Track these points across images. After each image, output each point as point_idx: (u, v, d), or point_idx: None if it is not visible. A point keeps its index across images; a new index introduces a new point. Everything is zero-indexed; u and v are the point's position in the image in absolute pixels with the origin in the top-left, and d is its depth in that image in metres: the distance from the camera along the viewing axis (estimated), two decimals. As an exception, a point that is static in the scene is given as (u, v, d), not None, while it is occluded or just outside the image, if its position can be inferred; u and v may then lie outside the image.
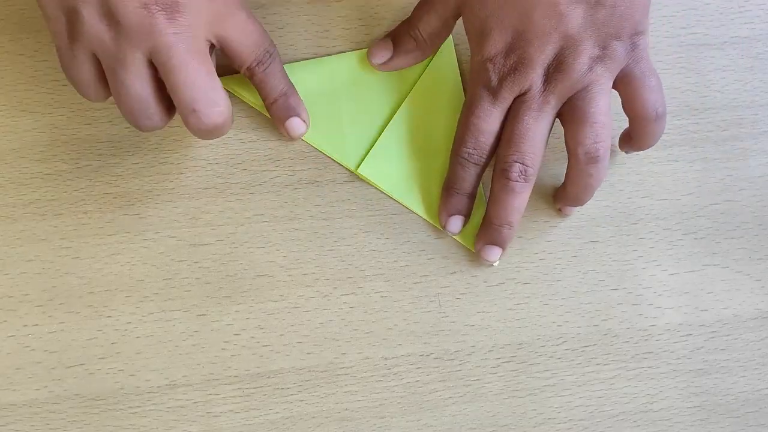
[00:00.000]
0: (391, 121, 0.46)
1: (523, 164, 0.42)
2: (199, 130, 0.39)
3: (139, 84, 0.38)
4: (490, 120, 0.43)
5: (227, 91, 0.41)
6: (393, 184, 0.45)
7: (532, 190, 0.45)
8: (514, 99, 0.42)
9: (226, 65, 0.44)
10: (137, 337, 0.43)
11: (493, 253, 0.44)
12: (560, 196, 0.45)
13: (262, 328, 0.44)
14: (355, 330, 0.44)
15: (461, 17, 0.43)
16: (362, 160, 0.45)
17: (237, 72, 0.44)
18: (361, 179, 0.46)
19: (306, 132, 0.45)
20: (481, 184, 0.45)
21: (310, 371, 0.44)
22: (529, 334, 0.45)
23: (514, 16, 0.41)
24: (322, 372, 0.44)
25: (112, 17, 0.37)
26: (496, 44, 0.42)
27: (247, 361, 0.44)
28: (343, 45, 0.46)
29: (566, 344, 0.45)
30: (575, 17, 0.41)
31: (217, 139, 0.45)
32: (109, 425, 0.43)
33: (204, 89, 0.38)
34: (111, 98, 0.40)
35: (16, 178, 0.44)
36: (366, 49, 0.46)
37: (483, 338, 0.45)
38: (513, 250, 0.46)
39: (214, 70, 0.39)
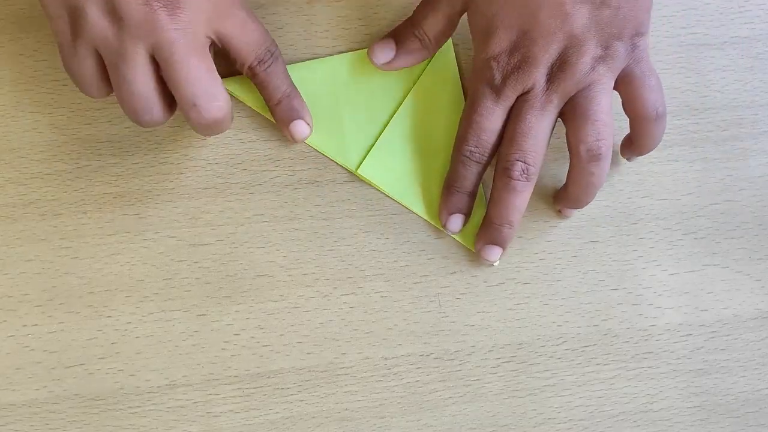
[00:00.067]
0: (391, 122, 0.46)
1: (525, 163, 0.42)
2: (200, 124, 0.39)
3: (140, 79, 0.38)
4: (492, 118, 0.43)
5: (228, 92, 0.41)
6: (393, 185, 0.45)
7: (533, 190, 0.45)
8: (517, 98, 0.42)
9: (228, 68, 0.44)
10: (137, 337, 0.43)
11: (494, 253, 0.44)
12: (561, 197, 0.45)
13: (262, 328, 0.44)
14: (355, 330, 0.44)
15: (466, 15, 0.44)
16: (362, 160, 0.45)
17: (238, 74, 0.44)
18: (361, 179, 0.46)
19: (310, 135, 0.45)
20: (481, 184, 0.45)
21: (310, 371, 0.44)
22: (529, 334, 0.45)
23: (520, 15, 0.41)
24: (322, 372, 0.44)
25: (115, 14, 0.37)
26: (501, 43, 0.42)
27: (247, 361, 0.44)
28: (343, 45, 0.46)
29: (566, 344, 0.45)
30: (580, 17, 0.41)
31: (217, 139, 0.45)
32: (109, 425, 0.43)
33: (204, 84, 0.39)
34: (111, 97, 0.41)
35: (16, 178, 0.44)
36: (366, 49, 0.46)
37: (483, 338, 0.45)
38: (513, 250, 0.46)
39: (214, 66, 0.40)
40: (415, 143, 0.46)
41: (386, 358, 0.44)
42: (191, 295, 0.44)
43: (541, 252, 0.46)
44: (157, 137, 0.45)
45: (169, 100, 0.40)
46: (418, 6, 0.45)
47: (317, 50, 0.46)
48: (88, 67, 0.39)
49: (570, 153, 0.43)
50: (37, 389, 0.43)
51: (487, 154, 0.43)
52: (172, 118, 0.41)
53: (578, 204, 0.44)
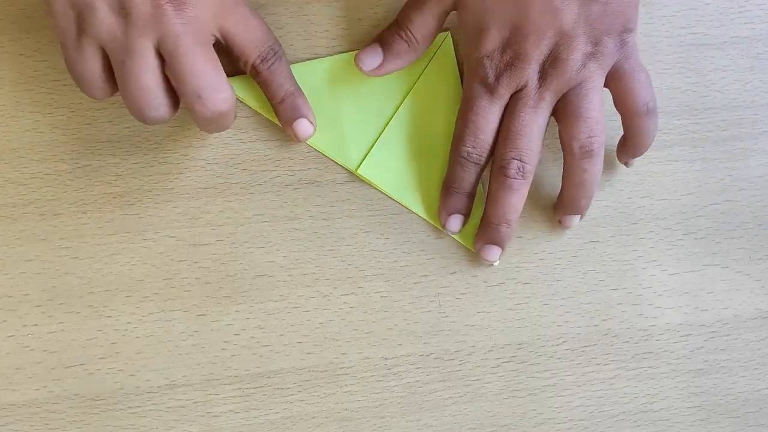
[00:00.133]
0: (390, 122, 0.46)
1: (520, 161, 0.42)
2: (204, 117, 0.39)
3: (147, 74, 0.38)
4: (489, 117, 0.43)
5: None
6: (393, 185, 0.45)
7: (532, 190, 0.45)
8: (511, 96, 0.43)
9: (231, 68, 0.44)
10: (137, 337, 0.43)
11: (493, 253, 0.44)
12: (559, 205, 0.45)
13: (262, 328, 0.44)
14: (355, 330, 0.44)
15: (456, 14, 0.44)
16: (362, 160, 0.45)
17: (240, 74, 0.44)
18: (361, 179, 0.46)
19: (313, 134, 0.45)
20: (480, 184, 0.45)
21: (310, 371, 0.44)
22: (529, 334, 0.45)
23: (511, 12, 0.42)
24: (322, 372, 0.44)
25: (123, 10, 0.38)
26: (494, 40, 0.42)
27: (247, 361, 0.44)
28: (343, 45, 0.46)
29: (566, 344, 0.45)
30: (569, 13, 0.41)
31: (217, 138, 0.45)
32: (109, 425, 0.43)
33: (209, 77, 0.39)
34: (112, 97, 0.41)
35: (16, 178, 0.44)
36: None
37: (483, 338, 0.45)
38: (513, 250, 0.46)
39: (219, 61, 0.40)
40: (415, 143, 0.46)
41: (386, 358, 0.44)
42: (191, 295, 0.44)
43: (541, 252, 0.46)
44: (157, 137, 0.45)
45: (174, 98, 0.40)
46: (403, 7, 0.44)
47: (317, 50, 0.46)
48: (92, 65, 0.39)
49: (563, 151, 0.43)
50: (37, 389, 0.43)
51: (485, 155, 0.43)
52: (173, 117, 0.41)
53: (575, 207, 0.44)
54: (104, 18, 0.38)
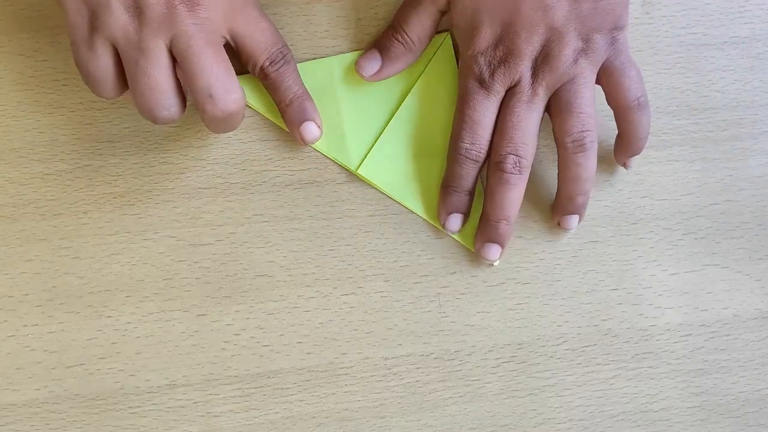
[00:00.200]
0: (390, 122, 0.46)
1: (516, 155, 0.42)
2: (214, 117, 0.39)
3: (159, 73, 0.39)
4: (485, 112, 0.43)
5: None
6: (393, 185, 0.45)
7: (532, 191, 0.45)
8: (506, 92, 0.43)
9: (240, 71, 0.44)
10: (137, 337, 0.43)
11: (493, 252, 0.44)
12: (556, 204, 0.45)
13: (262, 328, 0.44)
14: (355, 330, 0.44)
15: (449, 12, 0.44)
16: (362, 160, 0.45)
17: (245, 74, 0.44)
18: (361, 179, 0.46)
19: (320, 137, 0.45)
20: (480, 183, 0.45)
21: (310, 371, 0.44)
22: (529, 334, 0.45)
23: (503, 9, 0.42)
24: (322, 372, 0.44)
25: (137, 9, 0.38)
26: (487, 37, 0.43)
27: (247, 361, 0.44)
28: (343, 45, 0.46)
29: (566, 344, 0.45)
30: (560, 10, 0.42)
31: (218, 138, 0.45)
32: (109, 425, 0.43)
33: (220, 76, 0.39)
34: (114, 98, 0.41)
35: (16, 178, 0.44)
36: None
37: (483, 338, 0.45)
38: (513, 250, 0.46)
39: (230, 62, 0.40)
40: (415, 143, 0.46)
41: (386, 358, 0.44)
42: (191, 295, 0.44)
43: (541, 252, 0.46)
44: (157, 137, 0.45)
45: (183, 98, 0.40)
46: (398, 10, 0.45)
47: (317, 50, 0.46)
48: (104, 63, 0.39)
49: (557, 147, 0.43)
50: (37, 389, 0.43)
51: (483, 151, 0.43)
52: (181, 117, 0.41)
53: (572, 205, 0.44)
54: (119, 17, 0.38)
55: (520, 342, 0.45)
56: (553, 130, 0.44)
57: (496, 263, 0.45)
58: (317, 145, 0.45)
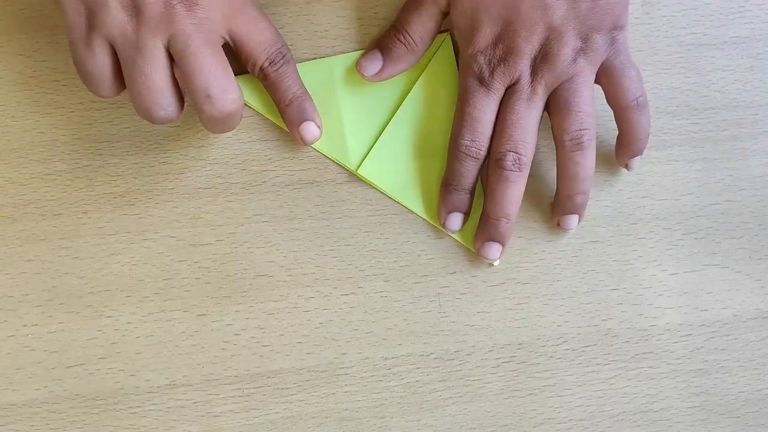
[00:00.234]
0: (390, 122, 0.46)
1: (516, 152, 0.42)
2: (212, 117, 0.39)
3: (157, 73, 0.39)
4: (485, 110, 0.43)
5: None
6: (393, 185, 0.45)
7: (532, 191, 0.45)
8: (506, 90, 0.43)
9: (239, 71, 0.44)
10: (137, 337, 0.43)
11: (493, 251, 0.44)
12: (556, 204, 0.45)
13: (262, 328, 0.44)
14: (355, 330, 0.44)
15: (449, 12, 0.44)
16: (362, 160, 0.45)
17: (244, 74, 0.44)
18: (361, 179, 0.46)
19: (320, 138, 0.45)
20: (480, 183, 0.45)
21: (310, 371, 0.44)
22: (529, 334, 0.45)
23: (502, 8, 0.42)
24: (322, 372, 0.44)
25: (135, 8, 0.38)
26: (486, 36, 0.43)
27: (247, 361, 0.44)
28: (343, 45, 0.46)
29: (566, 344, 0.45)
30: (559, 9, 0.42)
31: (218, 138, 0.45)
32: (109, 425, 0.43)
33: (218, 76, 0.39)
34: (113, 97, 0.41)
35: (15, 178, 0.44)
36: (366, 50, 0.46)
37: (483, 338, 0.45)
38: (513, 250, 0.46)
39: (228, 63, 0.40)
40: (415, 143, 0.46)
41: (386, 358, 0.44)
42: (191, 295, 0.44)
43: (541, 252, 0.46)
44: (157, 137, 0.45)
45: (181, 98, 0.40)
46: (400, 11, 0.45)
47: (317, 50, 0.46)
48: (101, 63, 0.39)
49: (556, 146, 0.43)
50: (37, 389, 0.43)
51: (483, 148, 0.43)
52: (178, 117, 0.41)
53: (571, 204, 0.44)
54: (116, 16, 0.38)
55: (520, 342, 0.45)
56: (552, 129, 0.44)
57: (496, 263, 0.45)
58: (317, 145, 0.45)
